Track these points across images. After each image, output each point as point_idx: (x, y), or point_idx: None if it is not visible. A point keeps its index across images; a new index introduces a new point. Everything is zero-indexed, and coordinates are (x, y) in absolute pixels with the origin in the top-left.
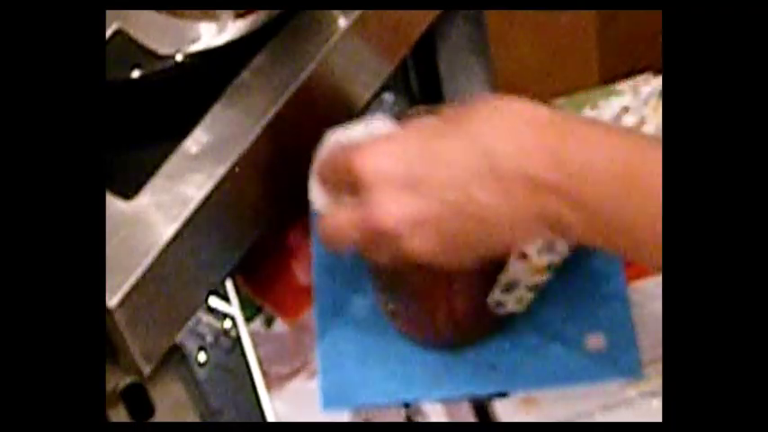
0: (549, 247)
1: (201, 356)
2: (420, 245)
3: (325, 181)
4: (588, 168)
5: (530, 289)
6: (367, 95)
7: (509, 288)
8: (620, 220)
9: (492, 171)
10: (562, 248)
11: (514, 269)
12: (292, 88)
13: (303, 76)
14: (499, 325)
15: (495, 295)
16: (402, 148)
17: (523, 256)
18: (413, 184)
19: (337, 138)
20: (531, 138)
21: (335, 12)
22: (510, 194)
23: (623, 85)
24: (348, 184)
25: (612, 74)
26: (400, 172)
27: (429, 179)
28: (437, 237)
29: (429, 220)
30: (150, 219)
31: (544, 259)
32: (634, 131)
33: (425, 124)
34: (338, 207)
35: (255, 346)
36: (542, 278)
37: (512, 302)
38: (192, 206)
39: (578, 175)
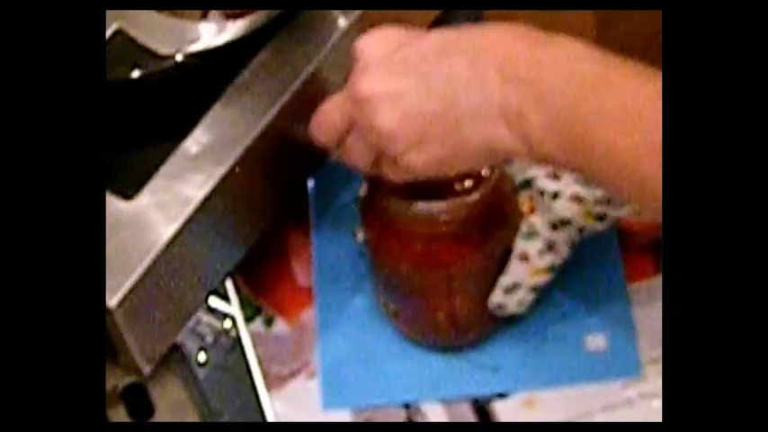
0: (550, 248)
1: (201, 356)
2: (385, 120)
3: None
4: (561, 72)
5: (531, 290)
6: None
7: (510, 290)
8: (585, 133)
9: (473, 64)
10: (563, 249)
11: (515, 270)
12: (292, 88)
13: (303, 76)
14: (499, 325)
15: (497, 297)
16: (397, 35)
17: (524, 257)
18: (398, 65)
19: None
20: (512, 38)
21: (335, 12)
22: (484, 82)
23: None
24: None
25: None
26: (387, 53)
27: (413, 61)
28: (403, 115)
29: (401, 94)
30: (150, 219)
31: (545, 260)
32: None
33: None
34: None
35: (255, 346)
36: (543, 279)
37: (513, 304)
38: (191, 206)
39: (549, 75)
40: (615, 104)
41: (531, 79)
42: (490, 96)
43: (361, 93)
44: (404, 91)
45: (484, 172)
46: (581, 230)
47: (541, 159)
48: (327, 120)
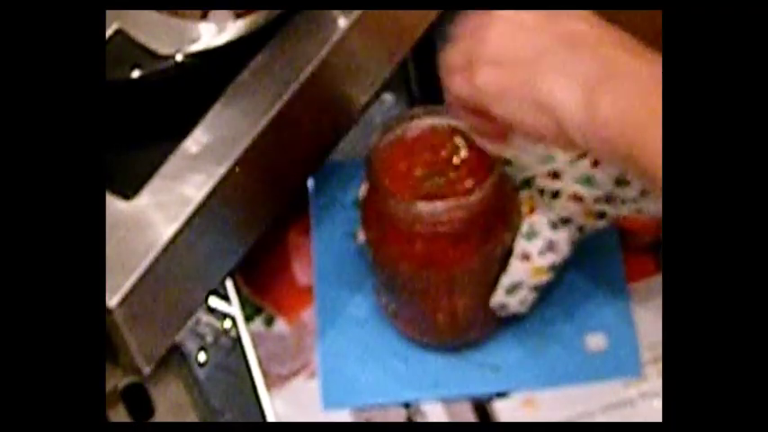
0: (551, 248)
1: (201, 356)
2: (496, 31)
3: None
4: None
5: (532, 290)
6: (367, 95)
7: (512, 290)
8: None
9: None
10: (563, 248)
11: (516, 270)
12: (292, 88)
13: (303, 76)
14: (500, 325)
15: (499, 297)
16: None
17: (525, 257)
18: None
19: None
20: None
21: (335, 12)
22: (580, 54)
23: None
24: None
25: None
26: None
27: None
28: (506, 34)
29: (516, 23)
30: (150, 219)
31: (546, 259)
32: None
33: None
34: None
35: (256, 345)
36: (544, 279)
37: (515, 304)
38: (191, 206)
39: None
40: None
41: (624, 74)
42: (580, 63)
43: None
44: (521, 18)
45: (484, 172)
46: (581, 229)
47: (576, 141)
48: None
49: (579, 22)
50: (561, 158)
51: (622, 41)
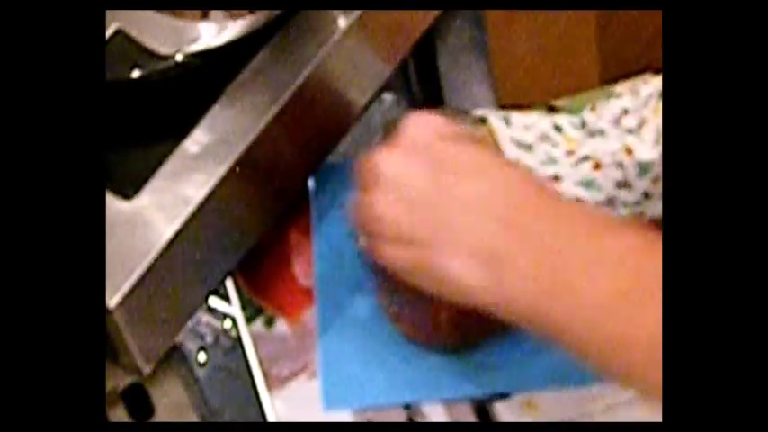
0: None
1: (201, 356)
2: (386, 202)
3: None
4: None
5: None
6: (367, 96)
7: None
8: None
9: (480, 198)
10: None
11: None
12: (292, 88)
13: (303, 76)
14: (500, 326)
15: None
16: (442, 126)
17: None
18: (422, 155)
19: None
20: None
21: (335, 12)
22: (480, 222)
23: (622, 87)
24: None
25: (612, 74)
26: (424, 141)
27: (437, 160)
28: (403, 208)
29: (411, 189)
30: (150, 219)
31: None
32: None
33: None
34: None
35: (256, 346)
36: None
37: None
38: (191, 206)
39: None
40: (611, 249)
41: (530, 227)
42: (478, 232)
43: (380, 168)
44: (413, 186)
45: None
46: None
47: (507, 310)
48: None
49: (473, 180)
50: (563, 162)
51: (525, 196)
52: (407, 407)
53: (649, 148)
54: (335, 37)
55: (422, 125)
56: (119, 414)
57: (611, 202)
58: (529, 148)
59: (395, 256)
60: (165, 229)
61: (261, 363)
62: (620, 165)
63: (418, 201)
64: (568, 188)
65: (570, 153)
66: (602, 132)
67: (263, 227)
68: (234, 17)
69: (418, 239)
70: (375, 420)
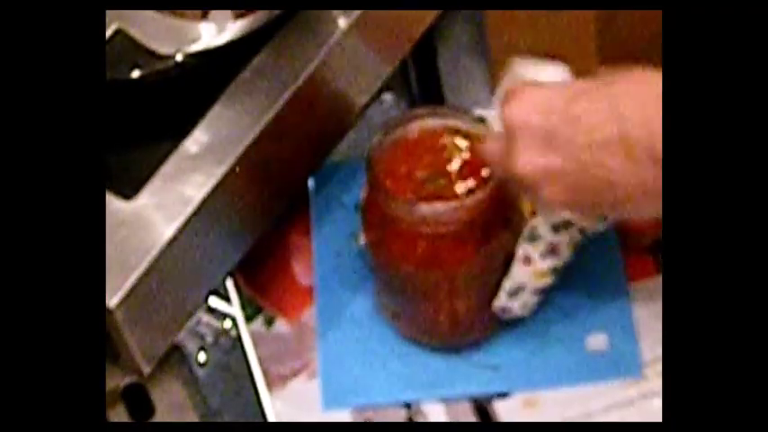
0: (553, 251)
1: (201, 356)
2: (550, 195)
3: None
4: None
5: (534, 293)
6: (367, 95)
7: (514, 293)
8: None
9: (622, 140)
10: (565, 252)
11: (518, 273)
12: (292, 88)
13: (303, 76)
14: (500, 326)
15: (501, 301)
16: (548, 104)
17: (527, 260)
18: (551, 139)
19: (521, 70)
20: (656, 112)
21: (335, 12)
22: (639, 165)
23: None
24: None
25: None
26: (541, 126)
27: (566, 138)
28: (566, 191)
29: (561, 174)
30: (150, 219)
31: (547, 263)
32: None
33: (573, 83)
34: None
35: (256, 346)
36: (546, 282)
37: (517, 308)
38: (191, 206)
39: None
40: None
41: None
42: (653, 179)
43: (518, 170)
44: (560, 170)
45: (485, 174)
46: (582, 231)
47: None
48: (492, 164)
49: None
50: None
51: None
52: (407, 406)
53: None
54: (335, 37)
55: (524, 108)
56: (119, 414)
57: None
58: None
59: (559, 196)
60: (165, 229)
61: (261, 362)
62: None
63: (572, 175)
64: None
65: None
66: None
67: (263, 227)
68: (235, 17)
69: (594, 199)
70: (375, 420)
